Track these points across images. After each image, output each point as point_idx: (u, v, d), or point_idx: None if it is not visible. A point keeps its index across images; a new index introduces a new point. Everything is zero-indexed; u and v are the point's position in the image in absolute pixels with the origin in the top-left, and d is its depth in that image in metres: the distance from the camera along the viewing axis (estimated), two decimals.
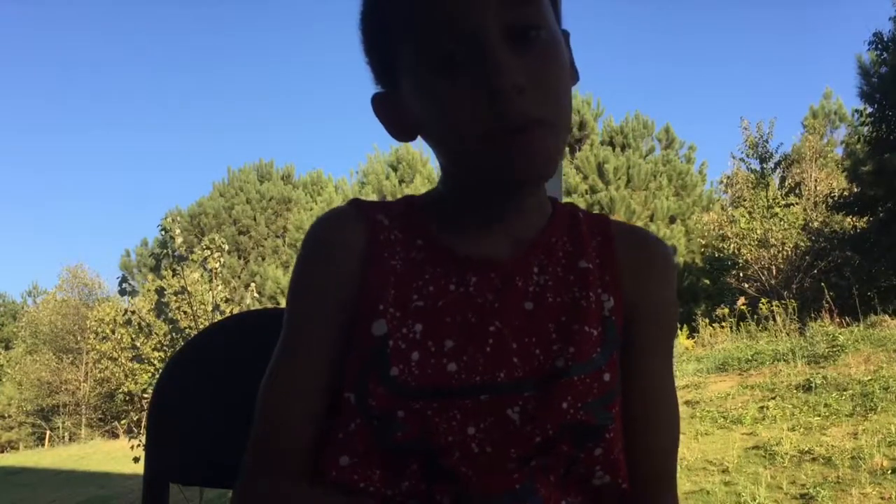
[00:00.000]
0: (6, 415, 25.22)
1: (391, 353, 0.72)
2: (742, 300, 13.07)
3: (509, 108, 0.68)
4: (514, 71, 0.68)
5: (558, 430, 0.72)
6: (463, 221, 0.79)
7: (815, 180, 18.09)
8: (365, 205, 0.82)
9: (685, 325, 12.93)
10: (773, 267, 14.67)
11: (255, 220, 27.18)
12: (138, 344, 9.44)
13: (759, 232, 14.84)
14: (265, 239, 26.96)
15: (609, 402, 0.76)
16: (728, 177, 19.69)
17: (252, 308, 7.13)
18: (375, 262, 0.77)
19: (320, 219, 0.82)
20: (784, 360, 8.22)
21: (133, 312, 8.25)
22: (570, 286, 0.78)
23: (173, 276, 7.91)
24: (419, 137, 0.79)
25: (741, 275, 14.93)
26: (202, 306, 7.75)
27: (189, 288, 7.32)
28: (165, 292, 7.34)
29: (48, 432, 23.55)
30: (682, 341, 11.85)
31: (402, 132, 0.80)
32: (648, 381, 0.81)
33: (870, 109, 13.90)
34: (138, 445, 6.50)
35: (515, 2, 0.70)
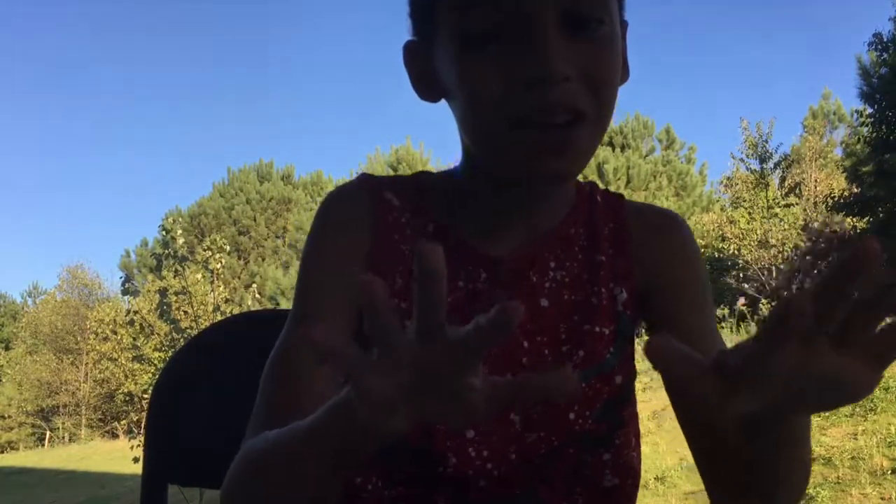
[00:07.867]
0: (6, 415, 25.23)
1: None
2: (742, 301, 13.06)
3: (550, 95, 0.62)
4: (562, 58, 0.62)
5: (565, 440, 0.70)
6: (478, 210, 0.74)
7: (815, 181, 18.08)
8: (373, 181, 0.77)
9: None
10: (774, 267, 14.66)
11: (255, 220, 27.18)
12: (139, 344, 9.47)
13: (758, 232, 14.83)
14: (265, 239, 26.95)
15: (620, 404, 0.74)
16: (728, 177, 19.66)
17: (252, 309, 7.13)
18: (384, 245, 0.73)
19: (331, 195, 0.77)
20: None
21: (136, 313, 8.29)
22: (584, 283, 0.74)
23: (175, 276, 7.94)
24: (444, 103, 0.73)
25: (741, 275, 14.90)
26: (203, 307, 7.77)
27: (190, 289, 7.35)
28: (167, 293, 7.38)
29: (48, 433, 23.56)
30: None
31: (427, 91, 0.73)
32: (687, 338, 0.77)
33: (870, 110, 13.88)
34: (138, 446, 6.52)
35: None
